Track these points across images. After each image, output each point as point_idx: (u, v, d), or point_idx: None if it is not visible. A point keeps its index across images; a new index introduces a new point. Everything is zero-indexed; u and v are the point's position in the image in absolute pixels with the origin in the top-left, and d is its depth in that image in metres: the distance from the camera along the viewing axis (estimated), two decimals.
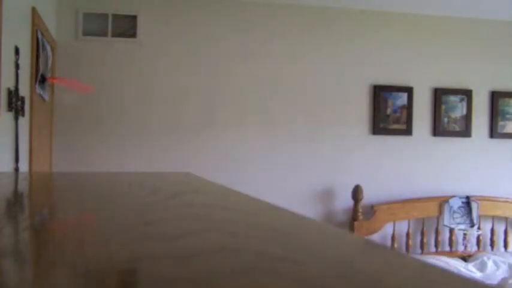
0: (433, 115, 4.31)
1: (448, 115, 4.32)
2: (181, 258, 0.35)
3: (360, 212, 3.96)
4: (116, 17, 3.81)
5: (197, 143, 3.93)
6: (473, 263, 3.87)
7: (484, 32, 4.38)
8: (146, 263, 0.33)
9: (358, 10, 4.18)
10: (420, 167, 4.26)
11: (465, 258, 4.04)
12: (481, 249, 4.20)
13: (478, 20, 4.36)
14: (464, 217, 4.17)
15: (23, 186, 0.99)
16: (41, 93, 3.08)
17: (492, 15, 4.30)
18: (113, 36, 3.80)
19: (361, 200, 3.96)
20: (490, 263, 3.82)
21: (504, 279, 3.55)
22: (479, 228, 4.19)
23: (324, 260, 0.35)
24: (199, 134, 3.94)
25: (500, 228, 4.31)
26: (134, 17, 3.84)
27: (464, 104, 4.34)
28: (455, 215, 4.15)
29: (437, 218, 4.17)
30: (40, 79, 3.00)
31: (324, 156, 4.12)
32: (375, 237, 4.04)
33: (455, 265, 3.77)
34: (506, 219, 4.27)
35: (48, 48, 3.28)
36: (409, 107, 4.25)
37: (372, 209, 4.03)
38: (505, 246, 4.24)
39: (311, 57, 4.11)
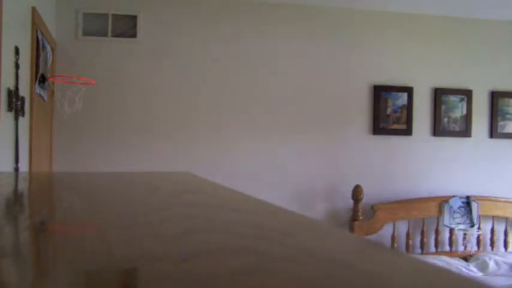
0: (433, 115, 4.31)
1: (448, 115, 4.32)
2: (181, 258, 0.35)
3: (360, 212, 3.96)
4: (115, 17, 3.81)
5: (197, 143, 3.93)
6: (474, 263, 3.87)
7: (484, 32, 4.38)
8: (146, 263, 0.33)
9: (358, 10, 4.18)
10: (420, 167, 4.26)
11: (466, 258, 4.04)
12: (481, 249, 4.21)
13: (478, 20, 4.36)
14: (464, 217, 4.17)
15: (23, 186, 0.99)
16: (41, 93, 3.08)
17: (492, 15, 4.30)
18: (113, 36, 3.80)
19: (361, 200, 3.96)
20: (491, 263, 3.81)
21: None
22: (479, 228, 4.19)
23: (324, 260, 0.35)
24: (199, 133, 3.94)
25: (500, 228, 4.31)
26: (134, 17, 3.84)
27: (464, 104, 4.34)
28: (455, 215, 4.15)
29: (437, 218, 4.17)
30: (40, 79, 3.00)
31: (324, 156, 4.12)
32: (375, 237, 4.04)
33: (456, 265, 3.77)
34: (506, 219, 4.27)
35: (48, 48, 3.28)
36: (409, 107, 4.25)
37: (372, 209, 4.03)
38: (505, 246, 4.24)
39: (311, 57, 4.11)
